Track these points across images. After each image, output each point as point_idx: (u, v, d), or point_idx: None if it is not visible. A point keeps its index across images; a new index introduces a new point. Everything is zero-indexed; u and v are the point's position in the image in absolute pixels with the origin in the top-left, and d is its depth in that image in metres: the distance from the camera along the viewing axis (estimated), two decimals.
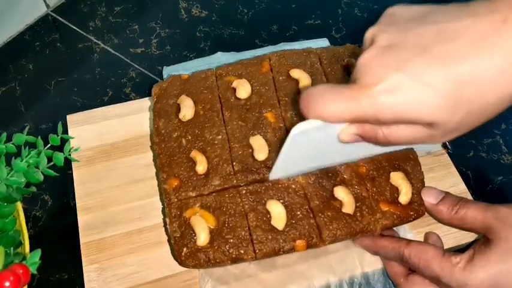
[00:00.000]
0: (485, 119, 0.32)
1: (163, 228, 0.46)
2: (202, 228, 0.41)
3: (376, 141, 0.36)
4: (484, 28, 0.30)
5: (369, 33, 0.34)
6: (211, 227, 0.41)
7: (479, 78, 0.30)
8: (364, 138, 0.36)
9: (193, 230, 0.41)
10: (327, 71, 0.50)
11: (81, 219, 0.46)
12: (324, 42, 0.59)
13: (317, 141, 0.38)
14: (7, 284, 0.34)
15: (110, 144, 0.51)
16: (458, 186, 0.49)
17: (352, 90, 0.32)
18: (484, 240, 0.39)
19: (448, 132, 0.33)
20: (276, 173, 0.43)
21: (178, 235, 0.41)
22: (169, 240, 0.45)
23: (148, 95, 0.52)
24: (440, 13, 0.32)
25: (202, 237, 0.40)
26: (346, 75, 0.49)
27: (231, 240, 0.41)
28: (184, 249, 0.40)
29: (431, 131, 0.33)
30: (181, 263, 0.41)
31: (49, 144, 0.45)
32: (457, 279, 0.38)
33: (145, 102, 0.54)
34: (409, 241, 0.42)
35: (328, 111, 0.33)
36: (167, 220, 0.42)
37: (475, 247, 0.39)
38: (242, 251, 0.40)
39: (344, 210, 0.42)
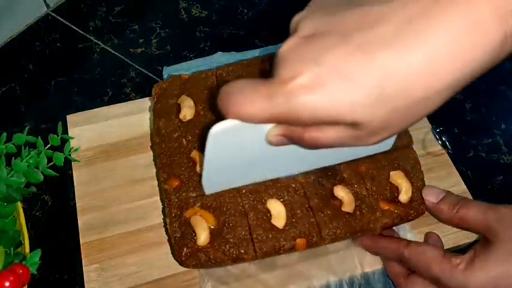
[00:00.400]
0: (416, 118, 0.28)
1: (164, 228, 0.46)
2: (202, 228, 0.41)
3: (303, 144, 0.32)
4: (412, 11, 0.26)
5: (294, 20, 0.31)
6: (212, 227, 0.41)
7: (404, 71, 0.26)
8: (290, 140, 0.32)
9: (193, 230, 0.41)
10: None
11: (81, 219, 0.46)
12: None
13: (252, 145, 0.34)
14: (7, 284, 0.34)
15: (110, 144, 0.51)
16: (458, 186, 0.49)
17: (268, 86, 0.28)
18: (484, 241, 0.39)
19: (375, 132, 0.29)
20: (208, 184, 0.41)
21: (178, 235, 0.41)
22: (169, 240, 0.45)
23: (148, 95, 0.52)
24: None
25: (203, 237, 0.40)
26: None
27: (231, 240, 0.41)
28: (185, 249, 0.40)
29: (356, 132, 0.29)
30: (181, 263, 0.41)
31: (49, 144, 0.45)
32: (457, 281, 0.38)
33: (145, 102, 0.54)
34: (409, 242, 0.42)
35: (245, 111, 0.29)
36: (167, 220, 0.42)
37: (476, 248, 0.39)
38: (242, 251, 0.40)
39: (344, 209, 0.42)
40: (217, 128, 0.32)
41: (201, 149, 0.36)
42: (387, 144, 0.43)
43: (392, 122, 0.28)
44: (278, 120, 0.30)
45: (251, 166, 0.38)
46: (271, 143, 0.33)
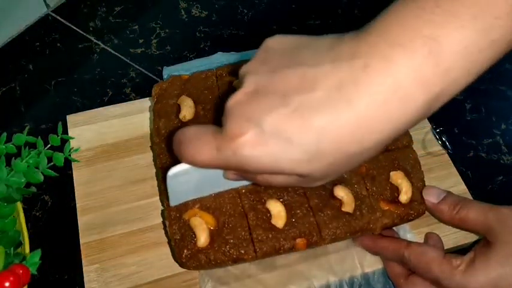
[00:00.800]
0: (354, 166, 0.31)
1: (163, 229, 0.46)
2: (202, 230, 0.41)
3: (257, 183, 0.35)
4: (342, 76, 0.28)
5: (241, 72, 0.33)
6: (211, 228, 0.41)
7: (336, 131, 0.28)
8: (245, 179, 0.36)
9: (193, 232, 0.41)
10: None
11: (81, 219, 0.46)
12: None
13: (210, 173, 0.36)
14: (7, 284, 0.34)
15: (109, 145, 0.51)
16: (459, 187, 0.49)
17: (217, 139, 0.31)
18: (484, 242, 0.39)
19: (317, 179, 0.33)
20: (174, 202, 0.42)
21: (178, 237, 0.41)
22: (169, 243, 0.45)
23: (149, 95, 0.52)
24: (310, 50, 0.31)
25: (203, 239, 0.40)
26: None
27: (231, 241, 0.41)
28: (185, 251, 0.40)
29: (301, 178, 0.32)
30: (182, 264, 0.41)
31: (49, 145, 0.45)
32: (457, 282, 0.38)
33: (146, 102, 0.54)
34: (409, 242, 0.42)
35: (197, 160, 0.33)
36: (167, 223, 0.42)
37: (476, 249, 0.39)
38: (243, 251, 0.40)
39: (344, 209, 0.42)
40: (173, 171, 0.36)
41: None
42: None
43: (331, 172, 0.31)
44: (228, 169, 0.34)
45: (214, 182, 0.40)
46: (228, 179, 0.37)
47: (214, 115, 0.46)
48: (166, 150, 0.44)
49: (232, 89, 0.48)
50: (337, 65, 0.28)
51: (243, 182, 0.41)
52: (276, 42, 0.34)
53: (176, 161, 0.35)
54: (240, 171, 0.33)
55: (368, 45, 0.28)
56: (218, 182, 0.39)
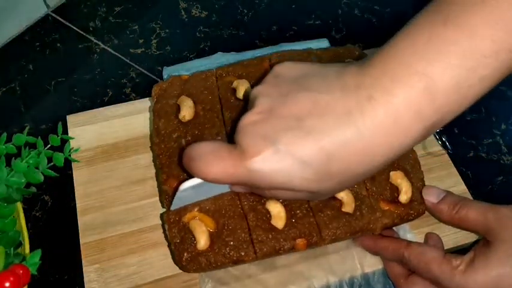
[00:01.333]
0: (359, 182, 0.37)
1: (163, 232, 0.46)
2: (201, 232, 0.40)
3: (264, 196, 0.39)
4: (350, 104, 0.31)
5: (253, 93, 0.36)
6: (211, 230, 0.41)
7: (346, 153, 0.31)
8: (253, 192, 0.38)
9: (192, 235, 0.41)
10: None
11: (81, 219, 0.46)
12: (324, 43, 0.59)
13: (218, 188, 0.39)
14: (7, 284, 0.34)
15: (110, 145, 0.51)
16: (458, 187, 0.49)
17: (232, 157, 0.33)
18: (484, 242, 0.39)
19: (325, 195, 0.36)
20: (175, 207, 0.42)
21: (178, 240, 0.41)
22: (169, 246, 0.44)
23: (148, 95, 0.52)
24: (319, 78, 0.34)
25: (202, 241, 0.40)
26: None
27: (231, 243, 0.41)
28: (185, 254, 0.40)
29: (309, 194, 0.35)
30: (182, 268, 0.41)
31: (49, 145, 0.45)
32: (457, 282, 0.38)
33: (146, 103, 0.54)
34: (409, 242, 0.42)
35: (209, 175, 0.34)
36: (166, 226, 0.42)
37: (476, 249, 0.39)
38: (243, 253, 0.40)
39: (344, 209, 0.42)
40: (185, 186, 0.38)
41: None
42: None
43: (337, 189, 0.36)
44: (241, 184, 0.35)
45: (216, 189, 0.41)
46: (234, 191, 0.40)
47: (214, 116, 0.46)
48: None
49: (232, 89, 0.48)
50: (345, 94, 0.31)
51: None
52: (285, 69, 0.36)
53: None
54: (251, 186, 0.35)
55: (371, 78, 0.31)
56: (220, 189, 0.41)
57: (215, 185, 0.37)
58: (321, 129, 0.31)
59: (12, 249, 0.40)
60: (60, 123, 0.47)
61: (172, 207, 0.42)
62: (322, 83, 0.33)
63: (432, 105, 0.30)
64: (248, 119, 0.33)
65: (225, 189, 0.41)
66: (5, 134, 0.44)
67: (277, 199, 0.40)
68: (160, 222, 0.46)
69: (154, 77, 0.60)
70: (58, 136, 0.46)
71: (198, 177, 0.36)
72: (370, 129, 0.30)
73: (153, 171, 0.49)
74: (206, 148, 0.35)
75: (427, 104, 0.30)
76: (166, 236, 0.44)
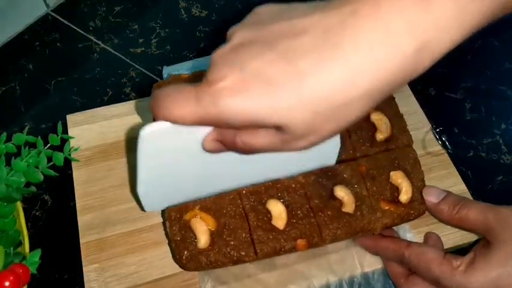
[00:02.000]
0: (339, 125, 0.29)
1: (163, 230, 0.46)
2: (202, 231, 0.40)
3: (237, 149, 0.33)
4: (331, 22, 0.27)
5: (229, 32, 0.32)
6: (212, 229, 0.41)
7: (322, 78, 0.27)
8: (224, 145, 0.33)
9: (193, 233, 0.41)
10: None
11: (81, 219, 0.46)
12: None
13: (189, 155, 0.34)
14: (7, 283, 0.34)
15: (109, 144, 0.51)
16: (458, 186, 0.49)
17: (196, 89, 0.30)
18: (484, 242, 0.39)
19: (300, 136, 0.30)
20: (147, 200, 0.40)
21: (178, 238, 0.41)
22: (169, 244, 0.44)
23: (148, 95, 0.52)
24: (299, 9, 0.30)
25: (203, 240, 0.40)
26: None
27: (232, 243, 0.41)
28: (185, 252, 0.40)
29: (283, 136, 0.30)
30: (182, 266, 0.41)
31: (49, 144, 0.45)
32: (458, 282, 0.38)
33: (146, 102, 0.54)
34: (409, 242, 0.42)
35: (175, 113, 0.30)
36: (167, 223, 0.42)
37: (476, 249, 0.39)
38: (243, 253, 0.40)
39: (344, 209, 0.42)
40: (147, 130, 0.31)
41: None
42: (330, 159, 0.44)
43: (315, 127, 0.29)
44: (207, 123, 0.31)
45: (191, 179, 0.38)
46: (206, 150, 0.34)
47: None
48: None
49: None
50: (326, 13, 0.28)
51: (224, 185, 0.41)
52: (265, 8, 0.32)
53: None
54: (219, 125, 0.31)
55: None
56: (189, 140, 0.34)
57: (183, 134, 0.32)
58: (294, 49, 0.27)
59: (12, 248, 0.40)
60: (60, 122, 0.47)
61: (146, 208, 0.41)
62: (304, 11, 0.29)
63: (427, 18, 0.26)
64: (218, 52, 0.30)
65: (196, 143, 0.34)
66: (4, 134, 0.44)
67: (251, 152, 0.33)
68: (159, 221, 0.46)
69: (154, 77, 0.60)
70: (58, 135, 0.46)
71: (163, 117, 0.31)
72: (352, 46, 0.26)
73: None
74: (174, 86, 0.32)
75: (422, 16, 0.26)
76: (167, 233, 0.44)
